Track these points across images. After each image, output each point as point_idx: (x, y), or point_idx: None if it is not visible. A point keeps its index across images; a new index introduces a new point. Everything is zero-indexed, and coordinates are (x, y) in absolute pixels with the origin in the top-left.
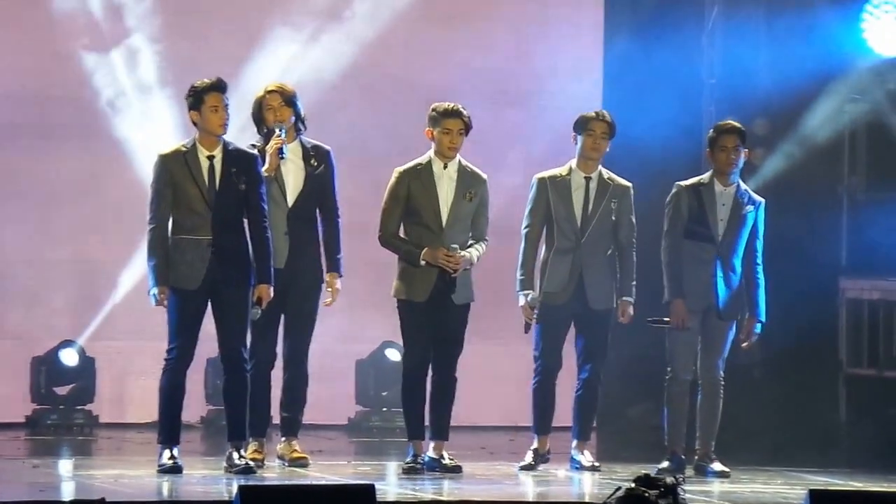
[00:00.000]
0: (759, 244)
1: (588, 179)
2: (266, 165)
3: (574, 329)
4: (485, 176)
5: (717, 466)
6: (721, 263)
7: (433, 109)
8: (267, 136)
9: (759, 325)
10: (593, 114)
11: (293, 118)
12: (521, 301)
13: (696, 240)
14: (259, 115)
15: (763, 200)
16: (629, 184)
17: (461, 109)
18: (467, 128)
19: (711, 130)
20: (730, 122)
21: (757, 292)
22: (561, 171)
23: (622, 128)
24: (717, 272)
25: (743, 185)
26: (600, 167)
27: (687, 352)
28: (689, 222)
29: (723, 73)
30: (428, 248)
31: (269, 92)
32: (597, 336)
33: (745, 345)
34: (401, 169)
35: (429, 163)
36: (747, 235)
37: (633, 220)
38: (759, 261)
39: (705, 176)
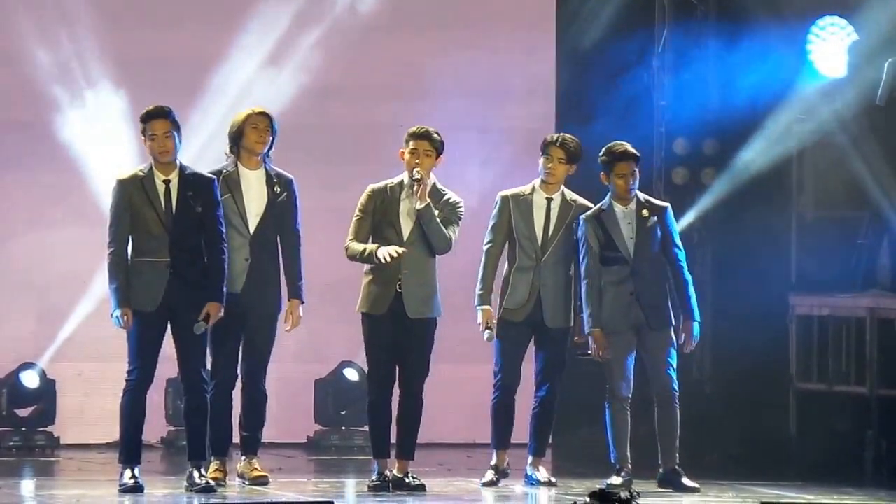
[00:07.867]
0: (678, 250)
1: (549, 200)
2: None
3: (534, 346)
4: (460, 197)
5: (686, 481)
6: (637, 279)
7: (407, 132)
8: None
9: (696, 325)
10: (553, 138)
11: (270, 144)
12: (480, 317)
13: (611, 265)
14: (240, 132)
15: (668, 205)
16: (592, 205)
17: (430, 132)
18: (436, 151)
19: (603, 154)
20: (622, 145)
21: (686, 293)
22: (524, 189)
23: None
24: (635, 288)
25: (642, 196)
26: (563, 188)
27: (621, 369)
28: (600, 250)
29: (673, 95)
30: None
31: (259, 113)
32: (553, 355)
33: (687, 349)
34: (374, 186)
35: (400, 182)
36: (659, 245)
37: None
38: (683, 263)
39: (605, 201)
